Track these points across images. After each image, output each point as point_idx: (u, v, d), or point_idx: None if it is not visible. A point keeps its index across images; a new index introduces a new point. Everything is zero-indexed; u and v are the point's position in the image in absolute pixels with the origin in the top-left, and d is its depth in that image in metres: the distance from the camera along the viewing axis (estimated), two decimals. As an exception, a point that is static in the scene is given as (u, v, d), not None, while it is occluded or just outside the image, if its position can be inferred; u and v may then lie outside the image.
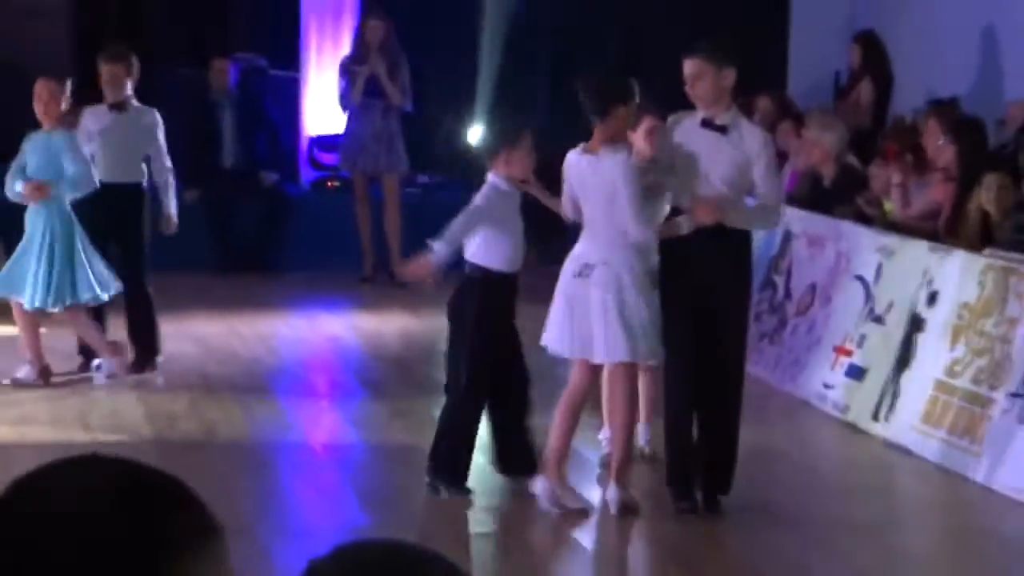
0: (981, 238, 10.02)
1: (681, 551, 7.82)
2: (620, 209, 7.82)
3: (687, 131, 8.00)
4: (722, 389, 8.13)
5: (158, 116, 11.39)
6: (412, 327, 12.96)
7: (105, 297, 10.74)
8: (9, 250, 10.88)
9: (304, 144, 16.53)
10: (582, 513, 8.13)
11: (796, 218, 11.59)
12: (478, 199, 8.38)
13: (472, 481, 8.45)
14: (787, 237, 11.63)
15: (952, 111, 11.83)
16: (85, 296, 10.62)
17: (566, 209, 8.26)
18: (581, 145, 8.12)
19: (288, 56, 16.56)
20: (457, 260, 8.40)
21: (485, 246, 8.24)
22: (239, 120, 15.49)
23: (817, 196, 11.82)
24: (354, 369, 12.04)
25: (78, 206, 10.73)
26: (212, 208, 15.22)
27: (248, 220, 15.39)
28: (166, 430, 9.75)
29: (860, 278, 10.60)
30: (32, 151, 10.69)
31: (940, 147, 10.96)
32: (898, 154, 11.34)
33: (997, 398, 8.91)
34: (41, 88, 10.78)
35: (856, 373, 10.29)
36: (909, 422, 9.55)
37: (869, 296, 10.45)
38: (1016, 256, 9.35)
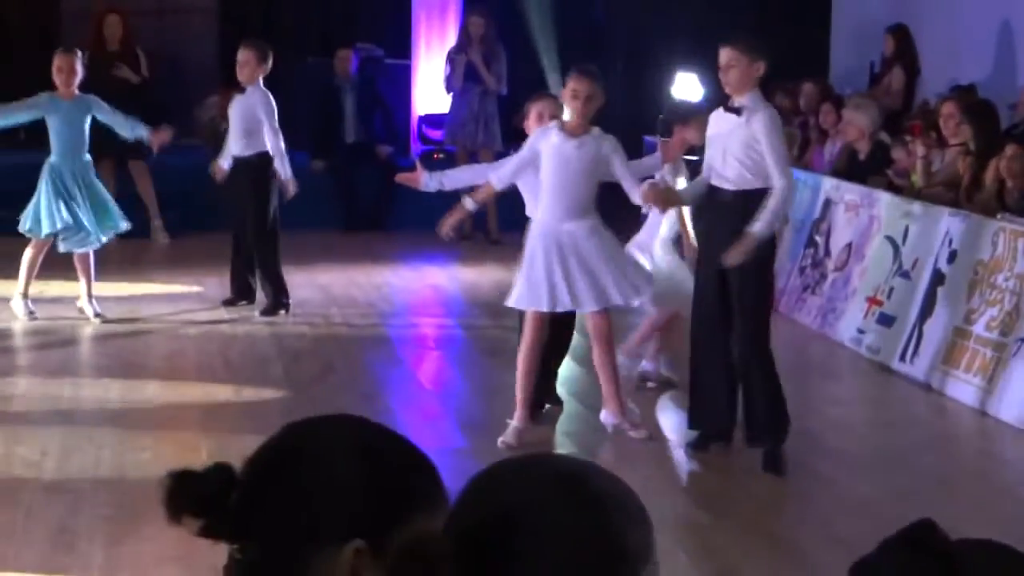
0: (996, 204, 9.87)
1: (728, 472, 7.72)
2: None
3: (716, 115, 7.81)
4: (743, 353, 7.68)
5: (264, 96, 11.01)
6: (504, 278, 12.83)
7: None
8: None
9: (414, 122, 16.55)
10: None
11: (834, 187, 11.55)
12: None
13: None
14: (827, 203, 11.56)
15: (968, 97, 11.72)
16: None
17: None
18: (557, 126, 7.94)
19: (401, 46, 16.55)
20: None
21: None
22: (359, 102, 15.49)
23: (853, 168, 11.71)
24: (455, 314, 12.00)
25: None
26: (336, 176, 15.26)
27: (366, 187, 15.39)
28: (293, 365, 9.73)
29: (890, 239, 10.47)
30: (55, 115, 10.48)
31: (958, 126, 10.87)
32: (922, 131, 11.26)
33: (1007, 342, 8.79)
34: (63, 61, 10.58)
35: (886, 320, 10.17)
36: (931, 363, 9.44)
37: (897, 254, 10.32)
38: (1025, 221, 9.23)
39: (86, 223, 10.44)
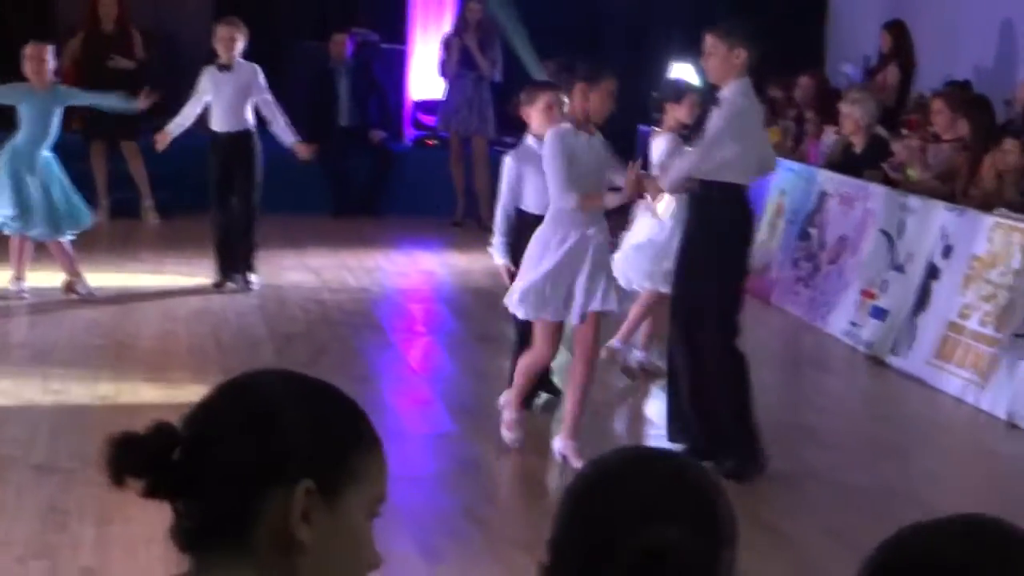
0: (992, 199, 9.86)
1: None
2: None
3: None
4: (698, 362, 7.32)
5: (258, 69, 11.16)
6: (495, 265, 12.84)
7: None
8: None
9: (408, 107, 16.50)
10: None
11: (830, 180, 11.53)
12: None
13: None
14: (822, 196, 11.52)
15: (960, 93, 11.73)
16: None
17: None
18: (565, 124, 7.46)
19: (397, 31, 16.50)
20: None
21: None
22: (353, 86, 15.44)
23: (849, 162, 11.68)
24: (446, 299, 11.98)
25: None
26: (329, 160, 15.15)
27: (359, 171, 15.35)
28: (285, 347, 9.69)
29: (885, 232, 10.45)
30: (26, 104, 10.43)
31: (949, 122, 10.87)
32: (919, 125, 11.26)
33: (1001, 338, 8.78)
34: (33, 51, 10.52)
35: (879, 314, 10.16)
36: (924, 357, 9.43)
37: (892, 248, 10.30)
38: (1021, 217, 9.21)
39: (36, 215, 10.37)
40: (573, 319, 7.33)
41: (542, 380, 8.34)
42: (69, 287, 10.76)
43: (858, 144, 11.76)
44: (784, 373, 8.06)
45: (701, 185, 7.26)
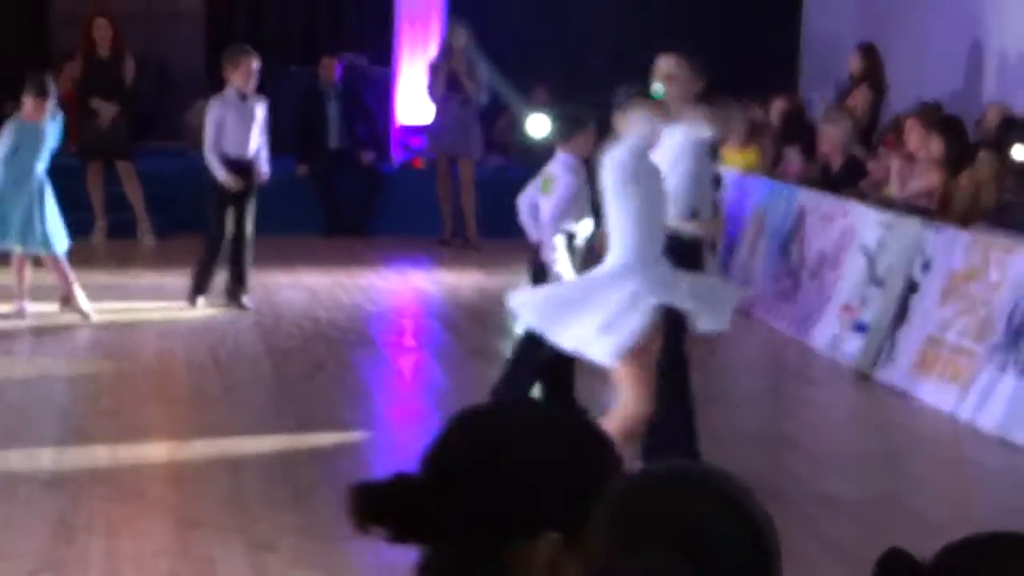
0: (969, 215, 9.87)
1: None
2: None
3: None
4: None
5: (266, 101, 11.35)
6: (483, 281, 12.86)
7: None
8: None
9: (396, 129, 16.46)
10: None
11: (809, 197, 11.52)
12: (567, 178, 7.48)
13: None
14: (801, 213, 11.50)
15: (933, 113, 11.75)
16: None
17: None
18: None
19: (384, 55, 16.45)
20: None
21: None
22: (342, 108, 15.42)
23: (827, 180, 11.69)
24: (436, 315, 11.93)
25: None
26: (319, 181, 15.17)
27: (349, 192, 15.30)
28: (282, 363, 9.64)
29: (864, 248, 10.44)
30: (25, 137, 10.33)
31: (929, 141, 10.87)
32: (896, 144, 11.28)
33: (979, 350, 8.76)
34: (37, 103, 10.36)
35: (860, 327, 10.13)
36: (905, 370, 9.40)
37: (871, 263, 10.29)
38: (997, 233, 9.20)
39: (11, 226, 10.28)
40: None
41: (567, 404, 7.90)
42: (65, 302, 10.68)
43: (835, 163, 11.79)
44: (769, 386, 8.03)
45: None
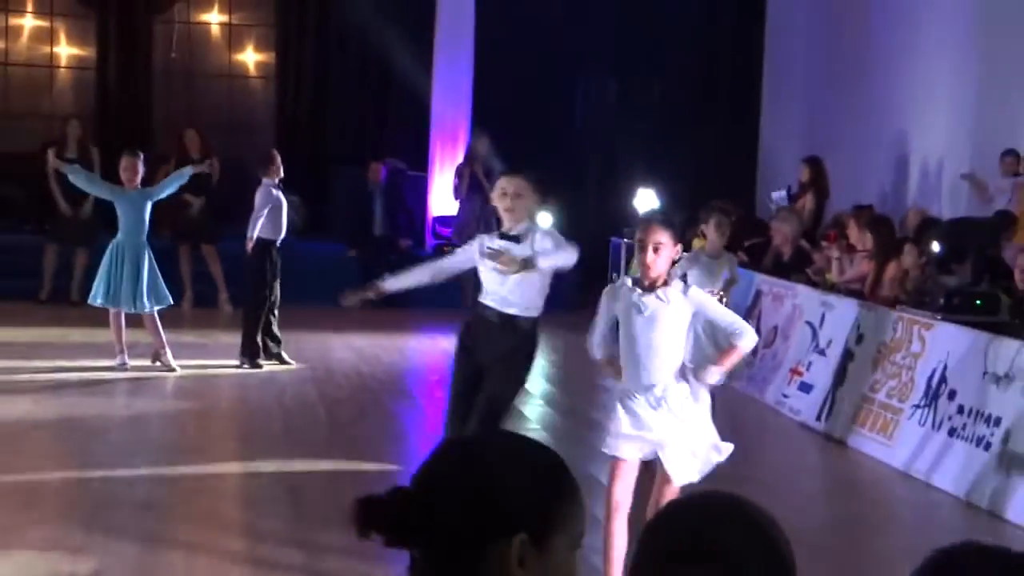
0: (895, 297, 9.88)
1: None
2: None
3: None
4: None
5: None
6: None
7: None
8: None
9: (429, 221, 16.53)
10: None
11: (764, 281, 11.54)
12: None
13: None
14: (758, 294, 11.51)
15: (867, 213, 11.80)
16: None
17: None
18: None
19: (420, 160, 16.57)
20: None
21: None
22: (386, 203, 15.48)
23: (779, 267, 11.71)
24: (460, 373, 11.89)
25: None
26: (365, 262, 15.20)
27: (390, 271, 15.26)
28: (334, 409, 9.63)
29: (809, 323, 10.44)
30: (121, 200, 10.43)
31: (862, 236, 10.92)
32: (836, 238, 11.29)
33: (903, 407, 8.75)
34: (128, 163, 10.57)
35: (805, 388, 10.12)
36: (843, 423, 9.37)
37: (815, 335, 10.29)
38: (919, 312, 9.21)
39: (124, 290, 10.32)
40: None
41: None
42: (156, 357, 10.70)
43: (786, 253, 11.82)
44: (729, 436, 7.99)
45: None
